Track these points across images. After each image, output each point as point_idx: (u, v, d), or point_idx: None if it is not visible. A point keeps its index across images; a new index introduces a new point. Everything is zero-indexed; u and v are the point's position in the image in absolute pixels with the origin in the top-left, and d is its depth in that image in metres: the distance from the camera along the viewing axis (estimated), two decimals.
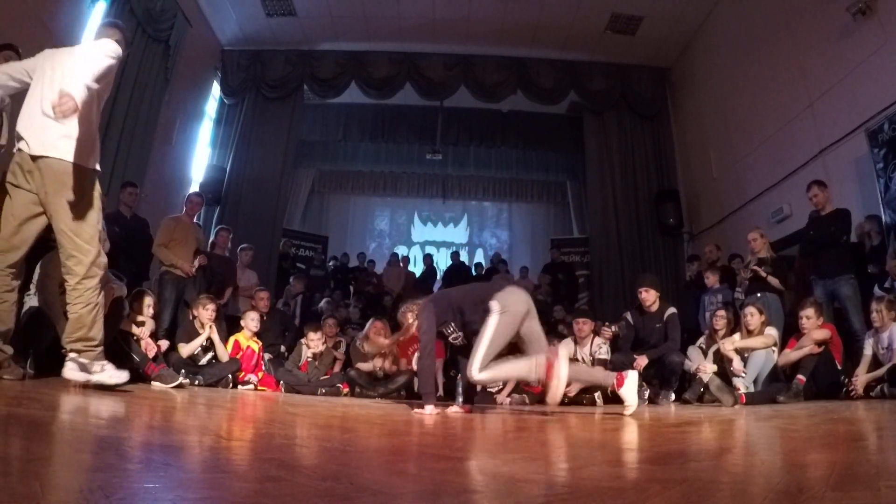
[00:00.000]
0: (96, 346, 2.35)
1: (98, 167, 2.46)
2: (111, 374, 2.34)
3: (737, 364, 3.95)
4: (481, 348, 2.61)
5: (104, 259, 2.44)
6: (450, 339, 2.82)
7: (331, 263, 9.23)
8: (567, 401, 4.14)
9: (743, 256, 5.55)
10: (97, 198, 2.41)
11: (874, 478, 0.95)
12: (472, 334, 2.82)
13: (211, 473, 0.90)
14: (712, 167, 7.51)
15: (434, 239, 11.53)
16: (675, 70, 8.56)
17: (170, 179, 7.35)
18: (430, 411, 2.56)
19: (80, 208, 2.32)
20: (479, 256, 11.26)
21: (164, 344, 4.01)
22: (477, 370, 2.59)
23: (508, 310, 2.67)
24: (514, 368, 2.70)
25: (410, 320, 2.92)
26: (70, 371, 2.32)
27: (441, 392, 4.59)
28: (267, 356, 4.82)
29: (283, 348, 5.21)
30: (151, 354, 3.62)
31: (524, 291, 2.89)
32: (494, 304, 2.66)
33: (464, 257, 10.54)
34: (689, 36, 7.87)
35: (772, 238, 5.29)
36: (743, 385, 3.86)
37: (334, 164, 10.61)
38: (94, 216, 2.38)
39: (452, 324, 2.77)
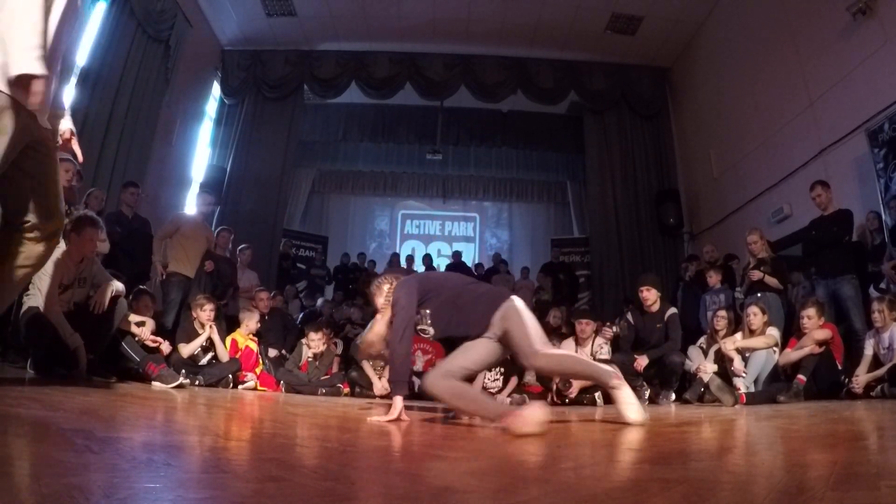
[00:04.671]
0: None
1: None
2: None
3: (737, 364, 3.95)
4: (459, 363, 2.11)
5: None
6: (418, 329, 2.26)
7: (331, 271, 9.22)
8: (567, 401, 4.15)
9: (741, 257, 5.56)
10: None
11: (875, 478, 0.95)
12: (447, 340, 2.37)
13: (211, 473, 0.90)
14: (712, 167, 7.51)
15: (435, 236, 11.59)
16: (675, 70, 8.56)
17: (170, 179, 7.35)
18: (398, 409, 2.04)
19: None
20: (474, 254, 11.27)
21: (166, 346, 4.00)
22: (440, 378, 2.06)
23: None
24: (477, 404, 2.05)
25: (385, 292, 2.33)
26: None
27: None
28: (273, 353, 4.83)
29: (283, 351, 5.21)
30: (164, 349, 3.67)
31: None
32: (496, 322, 2.11)
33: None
34: (689, 36, 7.87)
35: (772, 238, 5.30)
36: (743, 385, 3.86)
37: (334, 164, 10.62)
38: None
39: (429, 312, 2.21)
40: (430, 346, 4.93)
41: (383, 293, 2.34)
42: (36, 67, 1.59)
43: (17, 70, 1.57)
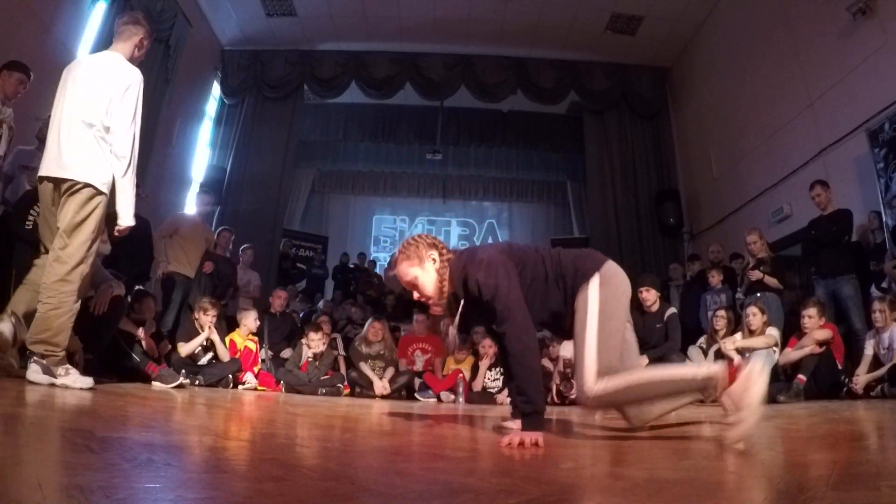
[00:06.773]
0: (58, 352, 2.27)
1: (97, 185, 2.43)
2: (75, 379, 2.28)
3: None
4: (591, 340, 1.52)
5: (87, 269, 2.39)
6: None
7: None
8: (568, 401, 4.14)
9: (743, 256, 5.56)
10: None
11: (875, 477, 0.95)
12: (547, 323, 1.77)
13: (211, 473, 0.90)
14: (712, 167, 7.51)
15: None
16: (675, 70, 8.56)
17: (170, 180, 7.35)
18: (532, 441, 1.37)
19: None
20: None
21: (166, 347, 3.99)
22: (593, 378, 1.48)
23: (611, 282, 1.66)
24: (665, 374, 1.55)
25: (429, 268, 1.72)
26: (33, 373, 2.24)
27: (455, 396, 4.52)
28: (269, 353, 4.83)
29: (288, 350, 5.21)
30: (163, 348, 3.65)
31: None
32: (594, 275, 1.66)
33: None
34: (689, 36, 7.87)
35: (771, 238, 5.29)
36: None
37: (334, 164, 10.61)
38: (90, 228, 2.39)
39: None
40: (429, 345, 4.92)
41: (425, 268, 1.71)
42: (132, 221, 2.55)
43: (125, 224, 2.53)
